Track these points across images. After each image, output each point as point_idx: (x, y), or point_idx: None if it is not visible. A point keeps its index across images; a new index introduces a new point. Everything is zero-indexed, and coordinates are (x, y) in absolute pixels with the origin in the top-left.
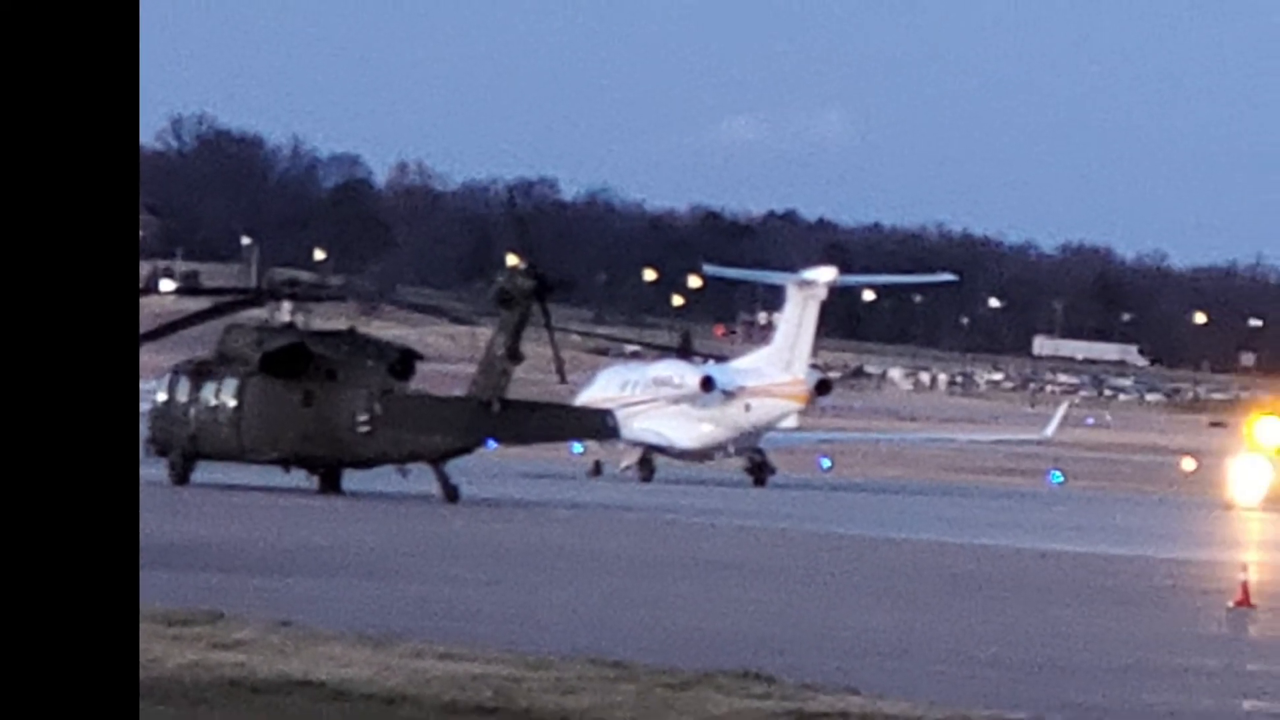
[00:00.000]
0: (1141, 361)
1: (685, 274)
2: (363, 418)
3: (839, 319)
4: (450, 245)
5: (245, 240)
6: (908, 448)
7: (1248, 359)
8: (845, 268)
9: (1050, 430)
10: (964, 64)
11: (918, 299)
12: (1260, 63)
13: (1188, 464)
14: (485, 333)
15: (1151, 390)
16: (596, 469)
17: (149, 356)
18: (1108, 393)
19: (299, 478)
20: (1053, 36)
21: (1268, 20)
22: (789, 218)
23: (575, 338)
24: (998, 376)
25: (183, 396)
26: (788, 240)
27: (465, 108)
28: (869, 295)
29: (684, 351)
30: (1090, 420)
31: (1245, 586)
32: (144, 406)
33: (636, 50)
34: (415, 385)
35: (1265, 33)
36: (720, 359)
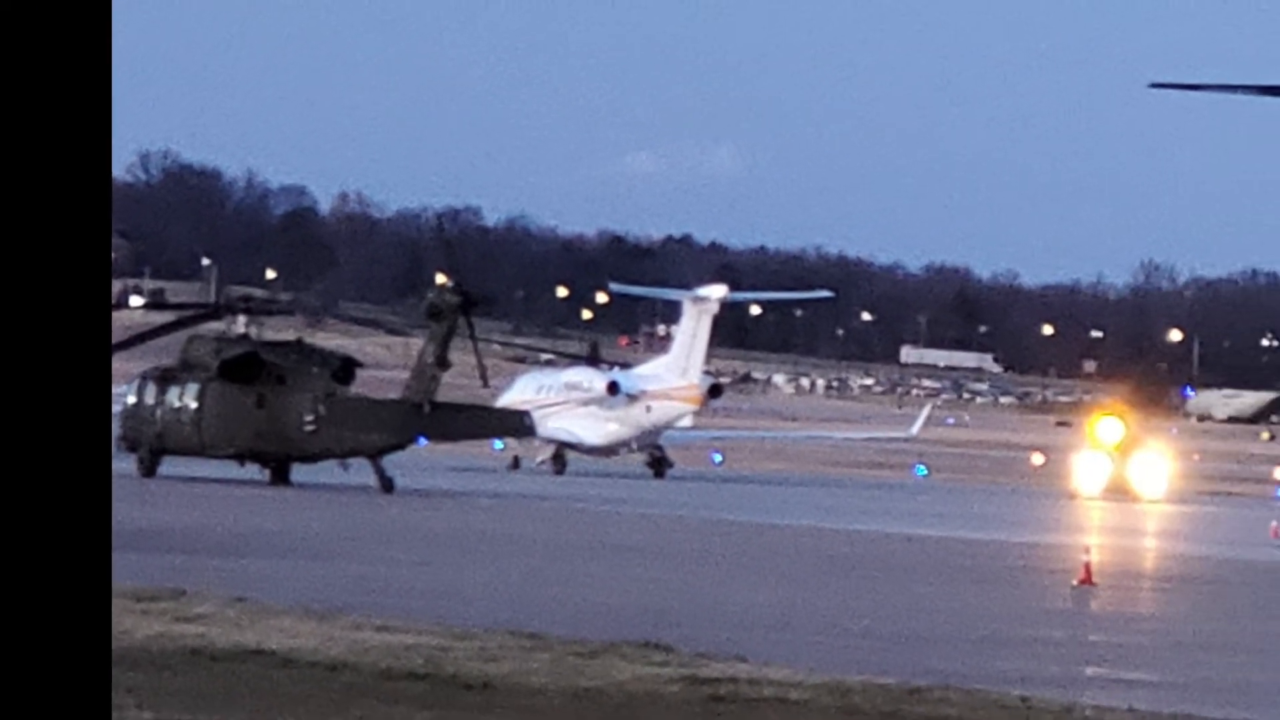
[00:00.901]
0: (996, 368)
1: (593, 291)
2: (309, 418)
3: (729, 331)
4: (386, 266)
5: (205, 261)
6: (789, 444)
7: (1090, 366)
8: (734, 285)
9: (915, 429)
10: (838, 105)
11: (798, 313)
12: (1100, 101)
13: (1037, 459)
14: (417, 343)
15: (1005, 394)
16: (515, 463)
17: (120, 364)
18: (966, 396)
19: (253, 471)
20: (916, 81)
21: (1109, 61)
22: (685, 241)
23: (496, 347)
24: (869, 382)
25: (150, 399)
26: (684, 261)
27: (399, 143)
28: (755, 310)
29: (592, 360)
30: (950, 420)
31: (1088, 567)
32: (115, 408)
33: (551, 92)
34: (355, 389)
35: (1105, 73)
36: (625, 366)
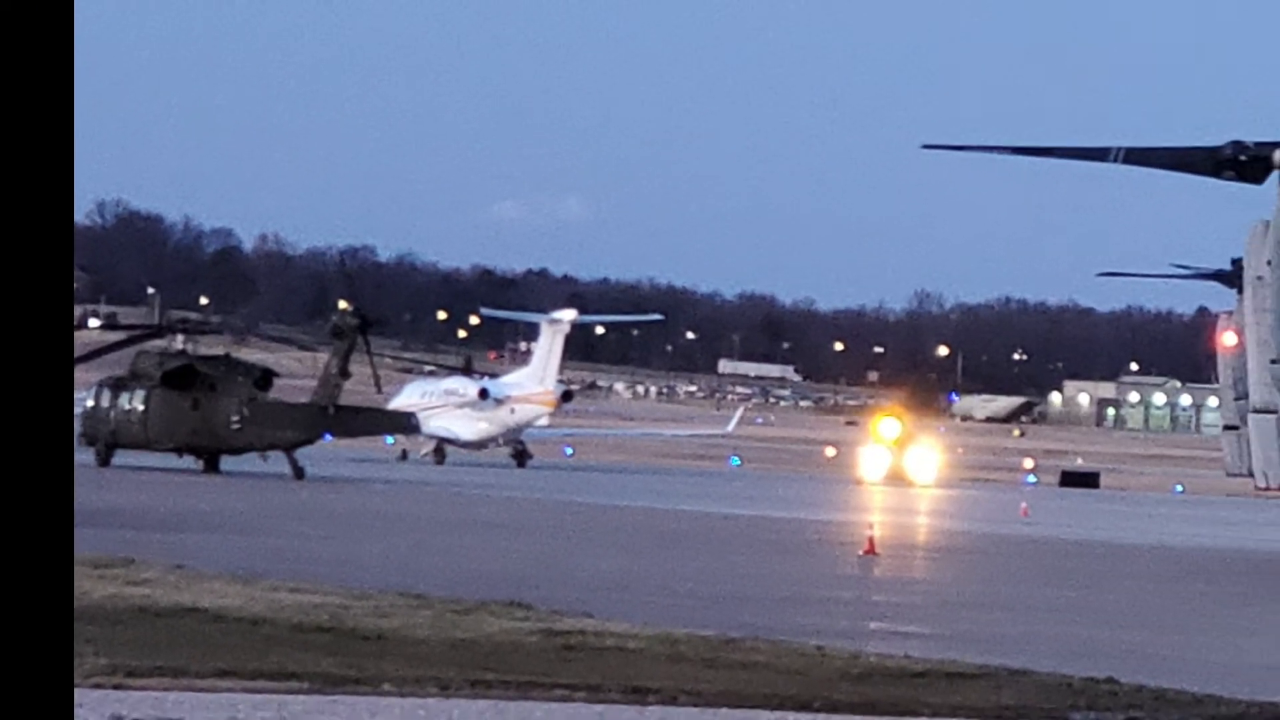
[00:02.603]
0: (797, 378)
1: (468, 315)
2: (235, 418)
3: (578, 347)
4: (298, 294)
5: (150, 290)
6: (627, 440)
7: (873, 376)
8: (582, 310)
9: (730, 427)
10: (667, 161)
11: (635, 332)
12: (882, 158)
13: (830, 451)
14: (323, 357)
15: (804, 399)
16: (403, 455)
17: (80, 374)
18: (772, 400)
19: (189, 462)
20: (731, 141)
21: (889, 125)
22: (542, 274)
23: (388, 360)
24: (693, 389)
25: (105, 403)
26: (541, 290)
27: (309, 193)
28: (600, 330)
29: (466, 370)
30: (759, 420)
31: (871, 540)
32: (77, 410)
33: (433, 151)
34: (273, 395)
35: (886, 135)
36: (493, 376)
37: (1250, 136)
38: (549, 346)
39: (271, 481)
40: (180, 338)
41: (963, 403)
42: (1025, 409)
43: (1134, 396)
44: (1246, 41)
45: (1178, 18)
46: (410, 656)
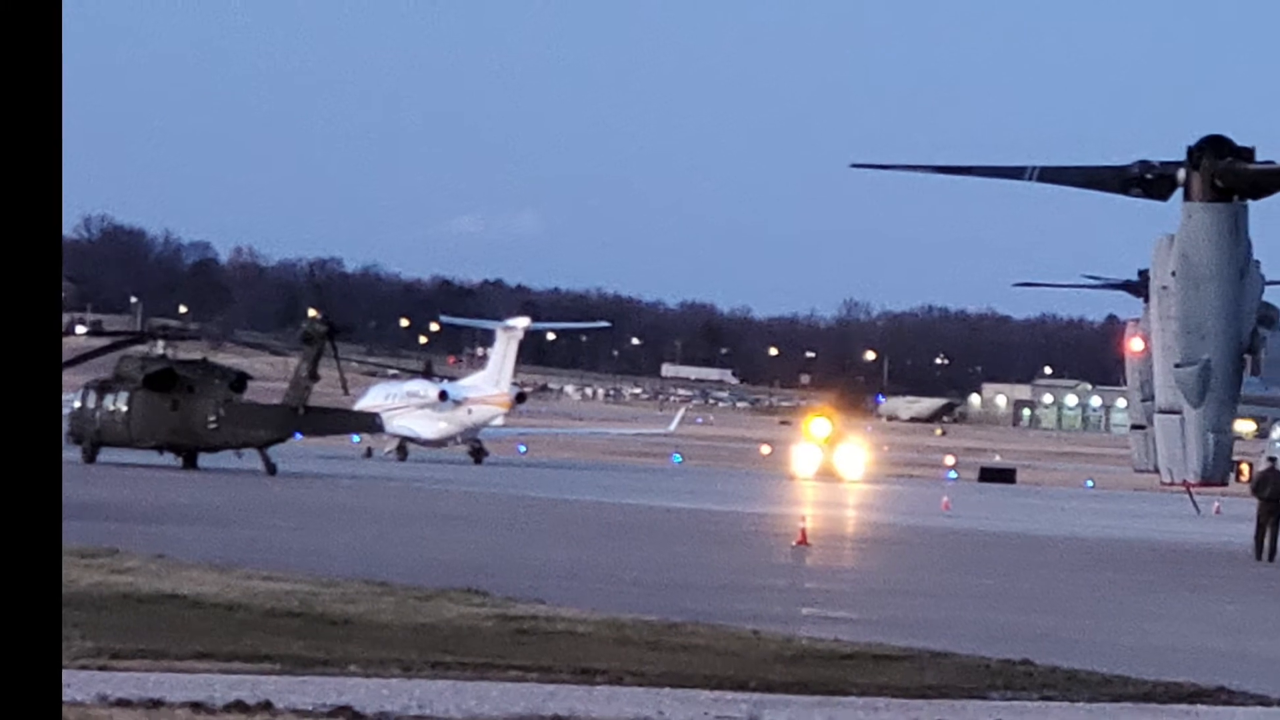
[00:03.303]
0: (734, 381)
1: (428, 322)
2: (211, 418)
3: (531, 352)
4: (270, 302)
5: (133, 299)
6: (577, 439)
7: (805, 379)
8: (535, 317)
9: (673, 426)
10: (614, 179)
11: (584, 339)
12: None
13: (765, 449)
14: (294, 361)
15: (741, 400)
16: (368, 453)
17: (68, 377)
18: (711, 401)
19: (169, 459)
20: (673, 159)
21: (820, 145)
22: (497, 284)
23: (354, 364)
24: (637, 391)
25: (91, 404)
26: (496, 299)
27: (281, 209)
28: (551, 336)
29: (427, 374)
30: (700, 420)
31: (804, 531)
32: (65, 410)
33: (397, 170)
34: (247, 397)
35: (817, 155)
36: (452, 379)
37: (1156, 156)
38: (504, 352)
39: (246, 477)
40: (161, 343)
41: (888, 404)
42: (947, 410)
43: (1048, 398)
44: (1153, 69)
45: (1091, 46)
46: (375, 640)
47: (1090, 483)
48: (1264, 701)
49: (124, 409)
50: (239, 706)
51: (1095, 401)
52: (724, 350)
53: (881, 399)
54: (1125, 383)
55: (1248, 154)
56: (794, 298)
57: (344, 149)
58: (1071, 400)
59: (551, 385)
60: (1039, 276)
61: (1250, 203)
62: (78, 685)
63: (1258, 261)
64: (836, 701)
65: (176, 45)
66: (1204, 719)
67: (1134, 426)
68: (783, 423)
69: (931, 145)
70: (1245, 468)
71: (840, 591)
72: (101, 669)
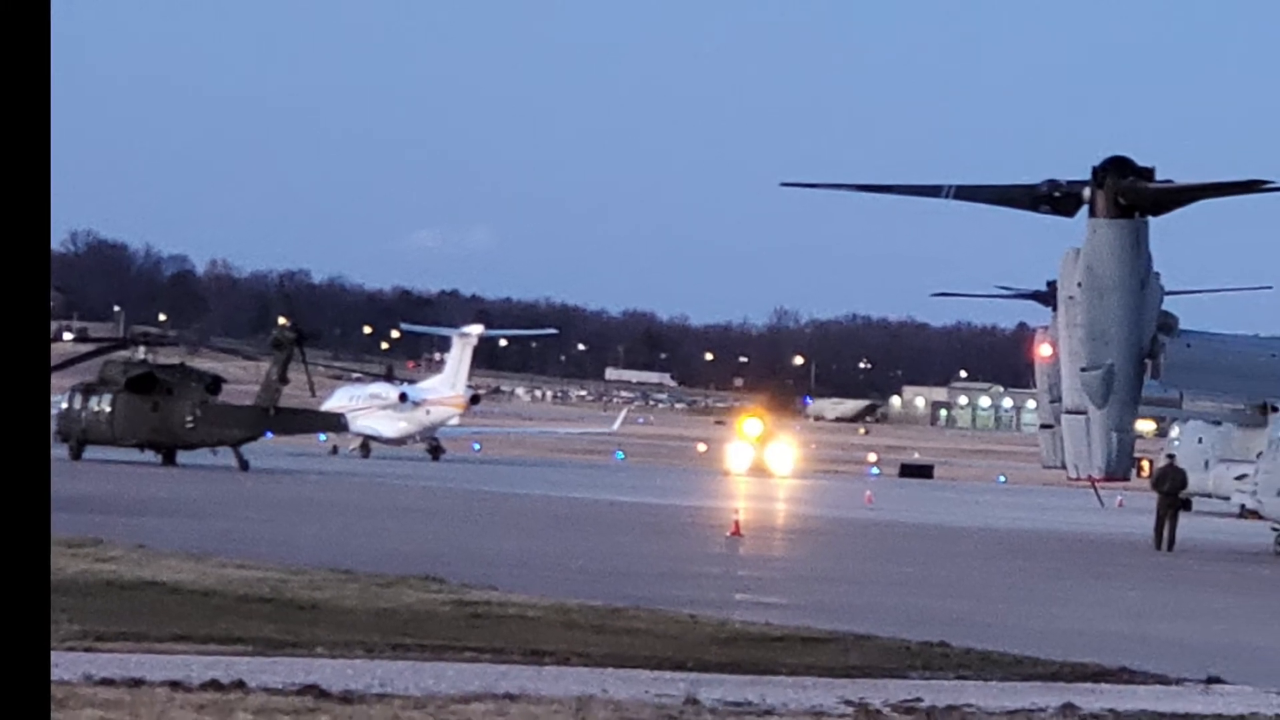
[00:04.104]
0: (673, 384)
1: (389, 329)
2: (189, 418)
3: (484, 357)
4: (243, 311)
5: (116, 308)
6: (527, 437)
7: (739, 382)
8: (488, 325)
9: (616, 426)
10: (560, 197)
11: (533, 345)
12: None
13: (701, 447)
14: (265, 366)
15: (679, 402)
16: (334, 450)
17: (56, 381)
18: (652, 403)
19: (150, 456)
20: (613, 176)
21: (752, 165)
22: (454, 294)
23: (320, 368)
24: (583, 393)
25: (78, 405)
26: (453, 308)
27: (253, 223)
28: (503, 342)
29: (388, 377)
30: (641, 420)
31: (737, 523)
32: (54, 411)
33: (360, 187)
34: (221, 399)
35: (748, 173)
36: (411, 382)
37: (1063, 176)
38: (459, 356)
39: (220, 473)
40: (142, 349)
41: (815, 405)
42: (869, 410)
43: (963, 400)
44: (1061, 96)
45: (1005, 74)
46: (340, 623)
47: (1002, 478)
48: (1163, 681)
49: (108, 410)
50: (214, 685)
51: (1007, 403)
52: (663, 355)
53: (809, 400)
54: (1035, 385)
55: (1148, 173)
56: (728, 306)
57: (312, 169)
58: (985, 402)
59: (503, 388)
60: (955, 287)
61: (1150, 219)
62: (65, 666)
63: (1157, 273)
64: (767, 681)
65: (156, 72)
66: (1107, 697)
67: (1043, 426)
68: (718, 422)
69: (856, 165)
70: (1146, 464)
71: (771, 579)
72: (87, 650)
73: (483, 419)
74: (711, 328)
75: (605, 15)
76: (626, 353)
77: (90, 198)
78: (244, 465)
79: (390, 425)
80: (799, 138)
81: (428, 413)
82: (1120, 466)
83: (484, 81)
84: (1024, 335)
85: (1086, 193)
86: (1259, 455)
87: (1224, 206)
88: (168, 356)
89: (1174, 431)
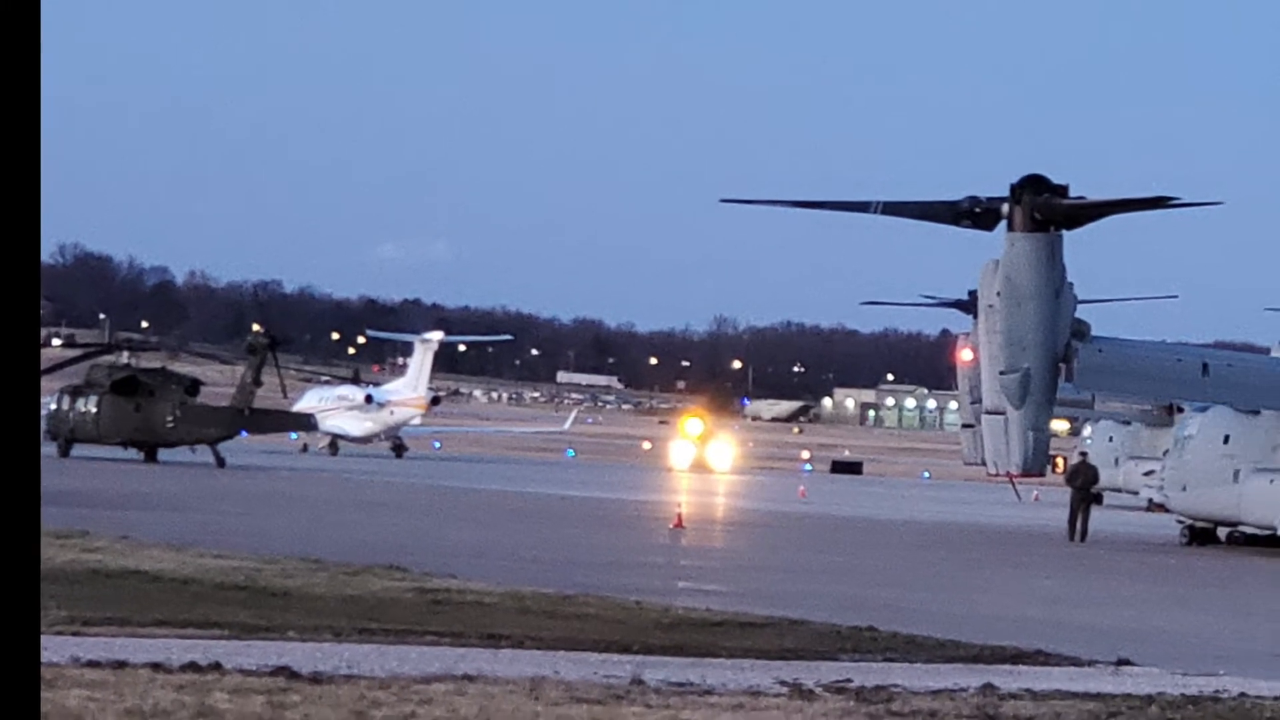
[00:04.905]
0: (620, 386)
1: (356, 335)
2: (169, 418)
3: (444, 361)
4: (220, 319)
5: (101, 316)
6: (485, 436)
7: (681, 384)
8: (448, 331)
9: (567, 425)
10: (514, 216)
11: (490, 349)
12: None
13: (646, 445)
14: (240, 369)
15: (626, 403)
16: (304, 448)
17: (46, 383)
18: (600, 404)
19: (133, 454)
20: (563, 193)
21: (695, 181)
22: (416, 303)
23: (292, 372)
24: (537, 395)
25: (66, 406)
26: (415, 316)
27: (229, 237)
28: (462, 348)
29: (355, 380)
30: (590, 420)
31: (680, 516)
32: (44, 412)
33: (329, 203)
34: (200, 400)
35: (691, 189)
36: (376, 384)
37: (983, 193)
38: (421, 361)
39: (199, 469)
40: (125, 354)
41: (753, 406)
42: (803, 411)
43: (890, 401)
44: (982, 117)
45: (928, 94)
46: (310, 609)
47: (927, 474)
48: (1076, 662)
49: (94, 410)
50: (193, 667)
51: (931, 404)
52: (611, 360)
53: (747, 402)
54: (957, 388)
55: (1062, 190)
56: (671, 314)
57: (283, 188)
58: (911, 403)
59: (462, 390)
60: (883, 296)
61: (1064, 232)
62: (54, 649)
63: (1071, 283)
64: (708, 663)
65: (139, 99)
66: (1024, 678)
67: (964, 425)
68: (661, 422)
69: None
70: (1060, 461)
71: (711, 568)
72: (74, 635)
73: (443, 419)
74: (656, 334)
75: (551, 43)
76: (577, 357)
77: (78, 213)
78: (221, 462)
79: (357, 425)
80: (737, 157)
81: (391, 413)
82: (1036, 463)
83: (441, 108)
84: (947, 341)
85: (1005, 208)
86: (1165, 453)
87: (1133, 221)
88: (149, 361)
89: (1086, 431)
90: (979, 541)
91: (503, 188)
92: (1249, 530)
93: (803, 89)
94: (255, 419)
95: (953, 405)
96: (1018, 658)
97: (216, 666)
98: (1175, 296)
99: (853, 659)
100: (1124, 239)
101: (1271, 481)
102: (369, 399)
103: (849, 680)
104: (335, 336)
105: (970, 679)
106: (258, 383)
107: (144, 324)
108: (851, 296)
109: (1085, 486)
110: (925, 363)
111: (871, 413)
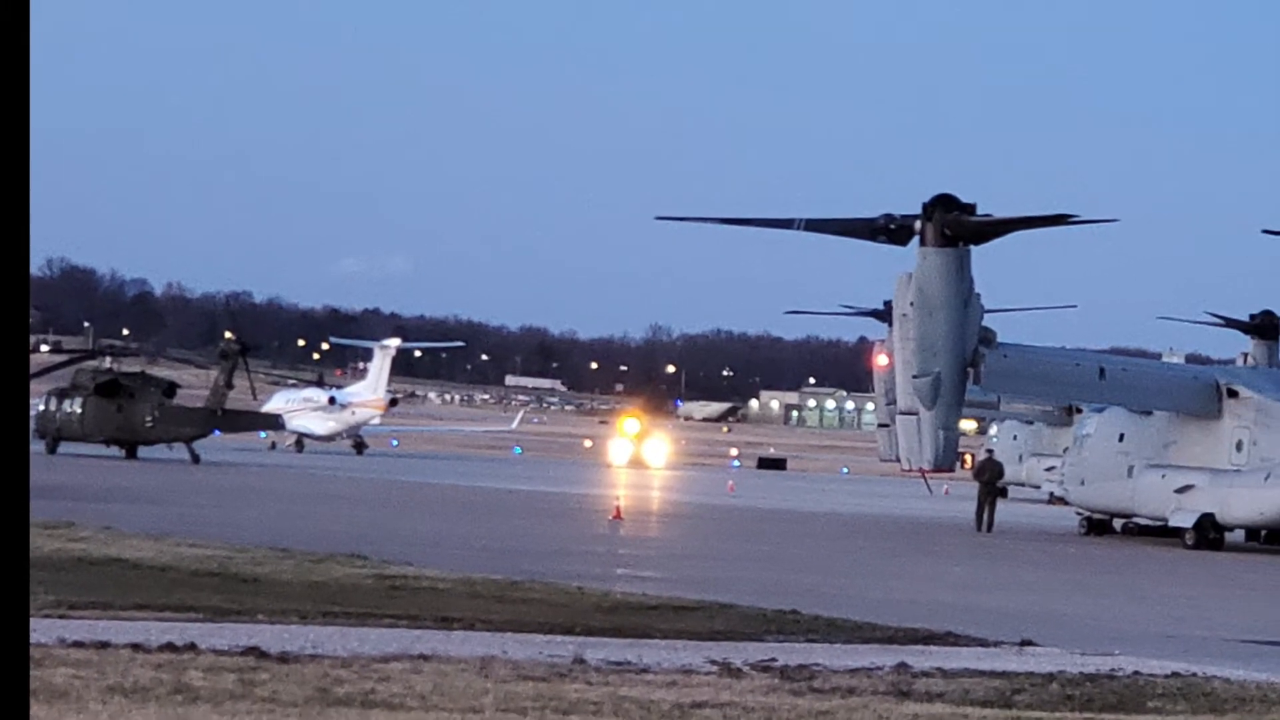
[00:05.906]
0: (564, 389)
1: (320, 342)
2: (148, 418)
3: (402, 365)
4: (195, 326)
5: (85, 324)
6: (439, 435)
7: (620, 387)
8: (405, 338)
9: (514, 425)
10: (463, 234)
11: (444, 355)
12: (622, 227)
13: (587, 443)
14: (214, 373)
15: (568, 404)
16: (272, 446)
17: (34, 386)
18: (545, 405)
19: (114, 451)
20: (487, 210)
21: (631, 199)
22: (375, 312)
23: (261, 376)
24: (486, 397)
25: (53, 407)
26: (375, 324)
27: (203, 250)
28: (418, 353)
29: (319, 383)
30: (536, 420)
31: (618, 508)
32: (32, 412)
33: (293, 221)
34: (177, 401)
35: (628, 207)
36: (339, 387)
37: (897, 211)
38: (380, 365)
39: (175, 465)
40: (108, 359)
41: (685, 407)
42: (731, 412)
43: (812, 402)
44: (896, 139)
45: (846, 118)
46: (278, 594)
47: (845, 470)
48: (983, 643)
49: (79, 411)
50: (170, 647)
51: (850, 405)
52: (555, 364)
53: (680, 403)
54: (874, 390)
55: (970, 209)
56: (611, 322)
57: (254, 206)
58: (831, 404)
59: (418, 392)
60: (805, 306)
61: (972, 247)
62: (41, 631)
63: (978, 294)
64: (645, 643)
65: (120, 123)
66: (935, 657)
67: (880, 425)
68: (601, 422)
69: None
70: (968, 458)
71: (647, 556)
72: (60, 618)
73: (400, 419)
74: (596, 341)
75: (496, 72)
76: (523, 362)
77: (64, 229)
78: (196, 459)
79: (321, 424)
80: (671, 178)
81: (353, 414)
82: (946, 459)
83: (398, 132)
84: (864, 347)
85: (917, 225)
86: (1065, 450)
87: (1036, 237)
88: (130, 365)
89: (993, 429)
90: (894, 532)
91: (455, 206)
92: (1142, 521)
93: (732, 114)
94: (227, 419)
95: (870, 406)
96: (930, 639)
97: (192, 647)
98: (1074, 306)
99: (777, 640)
100: (1027, 253)
101: (1163, 477)
102: (332, 400)
103: (774, 659)
104: (301, 343)
105: (886, 658)
106: (230, 385)
107: (125, 331)
108: (776, 306)
109: (991, 481)
110: (844, 367)
111: (795, 413)
